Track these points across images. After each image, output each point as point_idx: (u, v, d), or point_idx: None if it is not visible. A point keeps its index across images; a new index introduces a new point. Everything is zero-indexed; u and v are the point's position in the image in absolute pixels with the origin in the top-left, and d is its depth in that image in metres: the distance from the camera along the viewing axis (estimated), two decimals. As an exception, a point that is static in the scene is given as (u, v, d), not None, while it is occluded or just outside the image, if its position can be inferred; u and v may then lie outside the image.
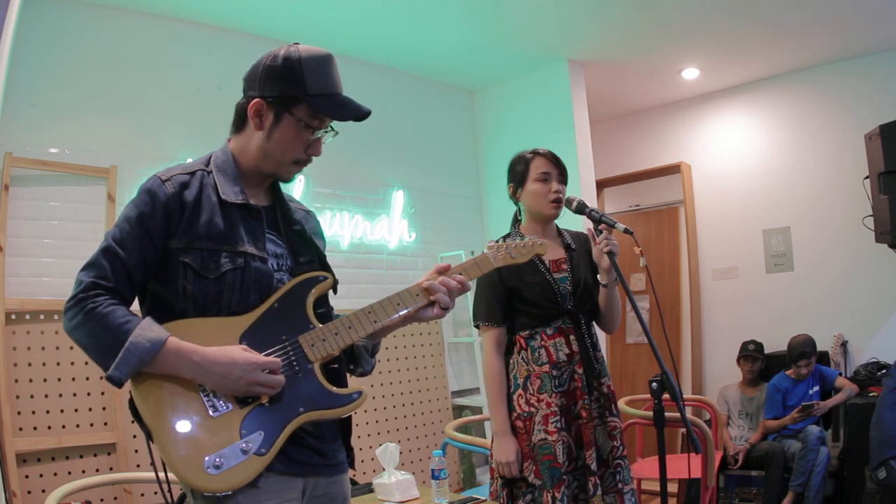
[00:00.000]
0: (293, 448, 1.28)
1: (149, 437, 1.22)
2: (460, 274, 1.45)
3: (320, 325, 1.34)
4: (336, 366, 1.39)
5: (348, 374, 1.46)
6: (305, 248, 1.45)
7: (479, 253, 1.56)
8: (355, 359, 1.47)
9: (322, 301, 1.42)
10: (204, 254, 1.28)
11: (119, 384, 1.19)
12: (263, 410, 1.24)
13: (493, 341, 2.13)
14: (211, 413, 1.22)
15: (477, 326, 2.20)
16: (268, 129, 1.35)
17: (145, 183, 1.31)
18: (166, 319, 1.26)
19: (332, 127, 1.40)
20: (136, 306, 1.32)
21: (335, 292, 1.46)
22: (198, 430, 1.20)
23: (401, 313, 1.39)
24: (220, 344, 1.25)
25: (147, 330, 1.20)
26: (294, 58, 1.32)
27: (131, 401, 1.24)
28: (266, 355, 1.27)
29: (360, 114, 1.37)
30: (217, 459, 1.18)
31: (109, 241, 1.27)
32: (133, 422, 3.15)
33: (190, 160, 1.42)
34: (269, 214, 1.41)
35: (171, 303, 1.29)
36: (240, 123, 1.40)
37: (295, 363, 1.29)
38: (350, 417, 1.44)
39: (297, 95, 1.32)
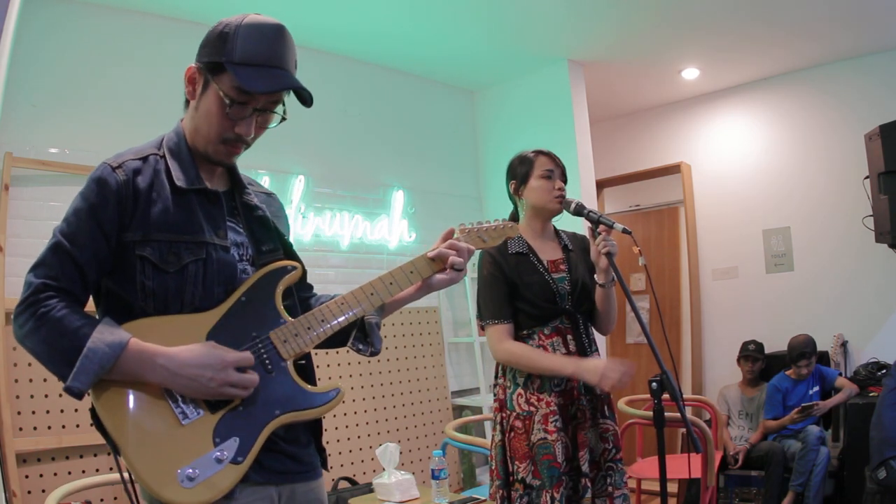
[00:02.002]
0: (266, 455, 1.19)
1: (115, 451, 1.11)
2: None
3: (291, 320, 1.25)
4: (304, 362, 1.31)
5: (361, 355, 1.39)
6: (268, 235, 1.33)
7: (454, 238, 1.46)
8: (367, 338, 1.39)
9: (288, 293, 1.31)
10: (162, 246, 1.17)
11: (79, 396, 1.09)
12: (237, 415, 1.15)
13: (505, 334, 2.10)
14: (181, 421, 1.12)
15: (482, 327, 2.16)
16: (197, 98, 1.23)
17: (94, 171, 1.20)
18: (126, 320, 1.15)
19: (283, 113, 1.26)
20: (91, 307, 1.23)
21: (304, 281, 1.36)
22: (168, 440, 1.11)
23: (375, 304, 1.32)
24: (185, 343, 1.14)
25: (106, 333, 1.10)
26: (234, 24, 1.20)
27: (93, 410, 1.14)
28: None
29: (285, 86, 1.20)
30: (190, 471, 1.09)
31: (58, 236, 1.16)
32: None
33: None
34: (227, 199, 1.30)
35: (129, 301, 1.18)
36: (186, 99, 1.28)
37: (267, 361, 1.20)
38: (321, 418, 1.35)
39: (221, 62, 1.18)
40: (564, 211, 2.16)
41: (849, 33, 4.15)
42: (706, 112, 5.17)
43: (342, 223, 4.01)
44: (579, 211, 2.08)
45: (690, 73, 4.73)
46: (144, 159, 1.22)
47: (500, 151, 4.71)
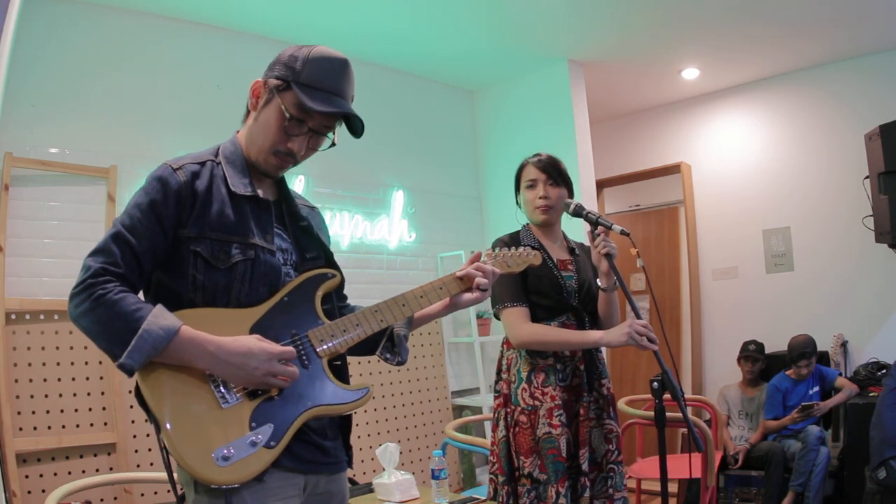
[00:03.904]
0: (298, 445, 1.27)
1: (157, 427, 1.18)
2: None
3: (329, 322, 1.34)
4: (339, 363, 1.38)
5: (388, 364, 1.49)
6: (311, 244, 1.45)
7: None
8: (395, 348, 1.48)
9: (328, 298, 1.40)
10: (215, 244, 1.26)
11: (131, 372, 1.16)
12: (273, 403, 1.23)
13: (524, 316, 2.10)
14: (221, 404, 1.20)
15: (497, 316, 2.16)
16: (258, 109, 1.34)
17: (155, 171, 1.29)
18: (173, 310, 1.22)
19: (330, 137, 1.37)
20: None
21: (341, 290, 1.46)
22: (207, 421, 1.18)
23: (405, 314, 1.42)
24: (229, 335, 1.22)
25: (160, 318, 1.17)
26: (306, 50, 1.32)
27: (137, 390, 1.21)
28: None
29: (340, 111, 1.30)
30: (226, 451, 1.16)
31: (119, 227, 1.23)
32: (133, 421, 3.11)
33: (192, 151, 1.40)
34: (275, 208, 1.40)
35: (179, 293, 1.26)
36: (246, 111, 1.40)
37: (304, 357, 1.29)
38: (351, 416, 1.44)
39: (288, 81, 1.30)
40: (564, 212, 2.16)
41: (849, 33, 4.15)
42: (706, 112, 5.17)
43: (342, 223, 4.01)
44: (578, 212, 2.08)
45: (690, 73, 4.73)
46: (202, 164, 1.32)
47: (500, 151, 4.72)
